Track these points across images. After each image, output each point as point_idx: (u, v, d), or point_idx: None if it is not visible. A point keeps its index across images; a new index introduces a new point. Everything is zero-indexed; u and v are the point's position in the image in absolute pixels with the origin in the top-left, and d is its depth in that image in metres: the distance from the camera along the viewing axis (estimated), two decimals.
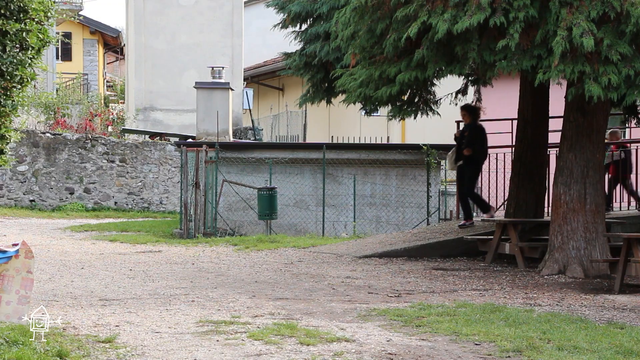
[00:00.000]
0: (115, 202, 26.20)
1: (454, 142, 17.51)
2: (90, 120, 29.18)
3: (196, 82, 24.67)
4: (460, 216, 17.49)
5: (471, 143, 15.37)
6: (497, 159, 17.78)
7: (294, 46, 24.76)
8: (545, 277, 12.45)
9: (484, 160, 15.85)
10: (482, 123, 15.63)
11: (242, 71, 33.60)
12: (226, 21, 33.15)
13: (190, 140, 24.70)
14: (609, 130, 16.56)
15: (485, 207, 15.81)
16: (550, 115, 14.93)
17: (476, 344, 7.75)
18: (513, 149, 15.84)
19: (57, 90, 34.10)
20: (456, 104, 15.60)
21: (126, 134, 30.05)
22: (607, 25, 10.97)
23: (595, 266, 12.52)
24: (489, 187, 18.77)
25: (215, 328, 8.22)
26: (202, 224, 18.89)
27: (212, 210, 19.17)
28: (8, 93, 10.02)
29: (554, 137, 14.98)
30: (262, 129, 33.52)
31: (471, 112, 15.57)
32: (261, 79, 37.42)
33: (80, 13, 39.56)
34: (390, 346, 7.62)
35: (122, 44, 46.64)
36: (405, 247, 14.75)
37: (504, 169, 17.14)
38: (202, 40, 32.92)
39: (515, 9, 11.12)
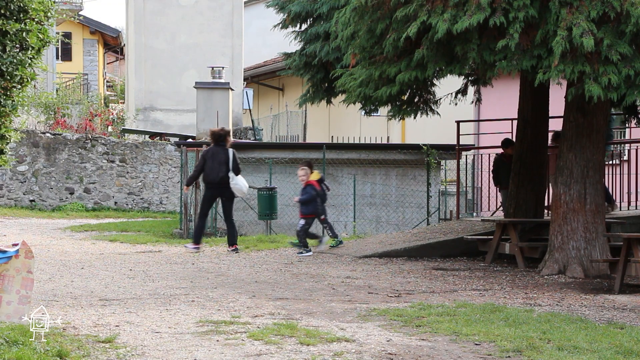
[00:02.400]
0: (115, 202, 26.21)
1: (452, 143, 17.52)
2: (90, 120, 29.18)
3: (196, 82, 24.67)
4: (460, 216, 17.50)
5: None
6: None
7: (294, 46, 24.76)
8: (545, 277, 12.45)
9: (205, 184, 15.72)
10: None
11: (242, 71, 33.61)
12: (226, 21, 33.16)
13: (190, 140, 24.70)
14: None
15: (198, 239, 15.60)
16: (550, 115, 14.93)
17: (476, 344, 7.75)
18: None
19: (57, 90, 34.10)
20: (456, 104, 15.61)
21: (126, 134, 30.06)
22: (607, 25, 10.97)
23: (595, 266, 12.53)
24: (489, 187, 18.78)
25: (215, 328, 8.22)
26: None
27: (212, 210, 19.15)
28: (8, 93, 10.03)
29: None
30: (262, 129, 33.51)
31: (211, 136, 15.89)
32: (261, 79, 37.43)
33: (80, 13, 39.56)
34: (390, 346, 7.62)
35: (122, 44, 46.66)
36: (405, 247, 14.76)
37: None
38: (202, 40, 32.93)
39: (515, 9, 11.12)
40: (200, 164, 15.70)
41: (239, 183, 15.56)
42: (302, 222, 15.22)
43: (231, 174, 15.44)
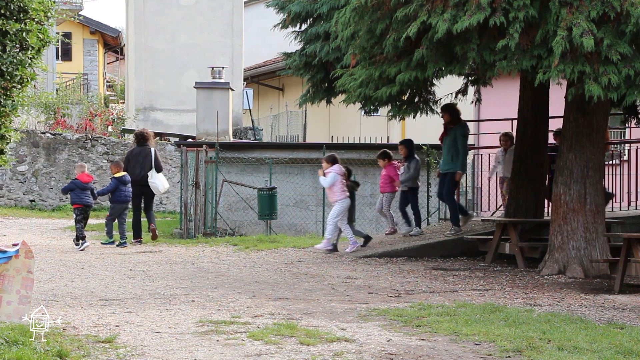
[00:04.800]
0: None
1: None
2: (90, 120, 29.17)
3: (196, 82, 24.67)
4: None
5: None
6: None
7: (294, 46, 24.75)
8: (545, 277, 12.45)
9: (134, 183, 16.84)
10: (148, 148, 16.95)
11: (242, 71, 33.61)
12: (226, 21, 33.16)
13: (190, 140, 24.70)
14: None
15: (138, 233, 16.98)
16: (550, 115, 14.93)
17: (476, 344, 7.75)
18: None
19: (57, 90, 34.09)
20: (456, 104, 15.60)
21: (126, 134, 30.04)
22: (607, 25, 10.96)
23: (595, 266, 12.52)
24: (489, 187, 18.78)
25: (215, 328, 8.22)
26: (202, 224, 18.89)
27: (212, 210, 19.17)
28: (8, 93, 10.03)
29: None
30: (262, 129, 33.51)
31: (135, 137, 17.37)
32: (261, 79, 37.42)
33: (80, 13, 39.59)
34: (390, 346, 7.62)
35: (122, 44, 46.67)
36: (405, 247, 14.76)
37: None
38: (202, 40, 32.93)
39: (515, 8, 11.12)
40: (125, 164, 16.89)
41: (156, 182, 16.86)
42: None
43: (151, 173, 16.77)
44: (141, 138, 17.02)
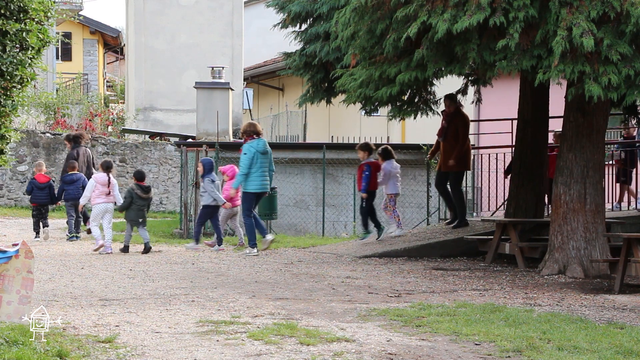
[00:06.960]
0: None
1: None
2: (90, 120, 29.18)
3: (196, 82, 24.65)
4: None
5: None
6: (497, 159, 17.80)
7: (294, 46, 24.75)
8: (545, 277, 12.45)
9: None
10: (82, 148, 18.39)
11: (242, 71, 33.61)
12: (226, 21, 33.18)
13: (190, 140, 24.70)
14: None
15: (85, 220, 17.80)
16: (550, 115, 14.94)
17: (476, 344, 7.75)
18: (513, 149, 15.87)
19: (57, 90, 34.12)
20: None
21: (126, 134, 30.05)
22: (607, 25, 10.97)
23: (595, 266, 12.53)
24: (489, 187, 18.79)
25: (215, 328, 8.22)
26: None
27: None
28: (8, 93, 10.04)
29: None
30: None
31: (73, 138, 18.47)
32: (261, 79, 37.42)
33: (80, 13, 39.61)
34: (390, 346, 7.62)
35: (122, 44, 46.68)
36: (405, 247, 14.76)
37: (504, 169, 17.15)
38: (202, 40, 32.94)
39: (515, 8, 11.12)
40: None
41: None
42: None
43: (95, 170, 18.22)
44: (79, 139, 18.41)
